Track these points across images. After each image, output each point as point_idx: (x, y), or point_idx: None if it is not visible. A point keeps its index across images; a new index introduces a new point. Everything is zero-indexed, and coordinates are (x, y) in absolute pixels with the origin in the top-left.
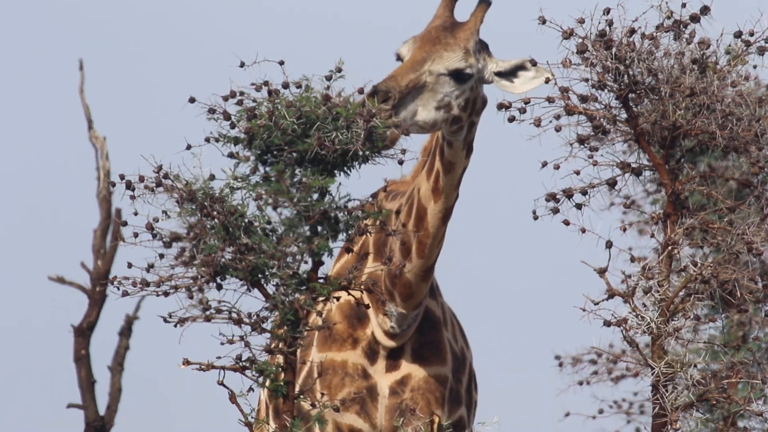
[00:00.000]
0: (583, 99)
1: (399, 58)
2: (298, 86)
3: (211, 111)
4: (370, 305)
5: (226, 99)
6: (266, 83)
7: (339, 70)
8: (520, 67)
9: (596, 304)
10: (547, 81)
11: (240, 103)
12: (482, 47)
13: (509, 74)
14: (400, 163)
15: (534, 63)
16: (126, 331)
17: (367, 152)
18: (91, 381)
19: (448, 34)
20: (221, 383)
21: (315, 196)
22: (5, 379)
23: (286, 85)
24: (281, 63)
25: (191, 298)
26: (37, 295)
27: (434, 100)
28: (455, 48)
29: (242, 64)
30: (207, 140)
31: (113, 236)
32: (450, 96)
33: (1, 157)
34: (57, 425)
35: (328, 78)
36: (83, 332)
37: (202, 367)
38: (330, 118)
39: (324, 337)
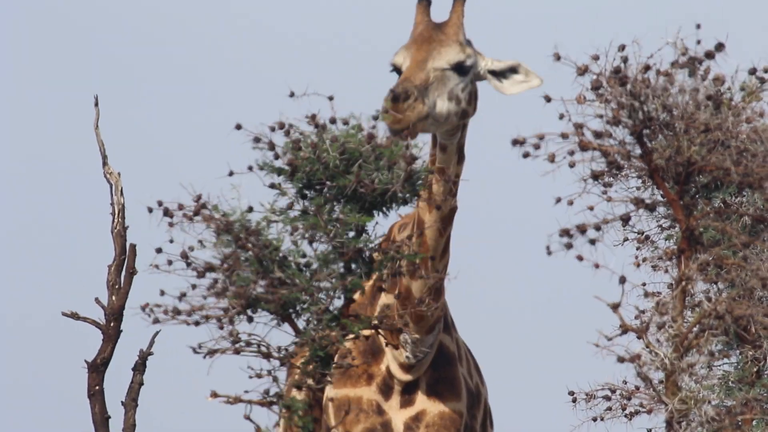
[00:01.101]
0: (598, 135)
1: (395, 68)
2: (345, 123)
3: (257, 140)
4: (388, 340)
5: (273, 129)
6: (314, 116)
7: (386, 111)
8: (512, 70)
9: (610, 339)
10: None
11: (287, 134)
12: (469, 42)
13: (501, 74)
14: (438, 208)
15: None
16: (140, 367)
17: (407, 194)
18: (105, 417)
19: (438, 32)
20: (248, 417)
21: (351, 233)
22: (20, 415)
23: (333, 121)
24: (330, 98)
25: (221, 329)
26: (51, 330)
27: (446, 93)
28: (450, 42)
29: (292, 94)
30: (250, 168)
31: (128, 271)
32: (456, 89)
33: (16, 193)
34: None
35: (375, 118)
36: (97, 368)
37: (230, 400)
38: (373, 157)
39: (339, 373)
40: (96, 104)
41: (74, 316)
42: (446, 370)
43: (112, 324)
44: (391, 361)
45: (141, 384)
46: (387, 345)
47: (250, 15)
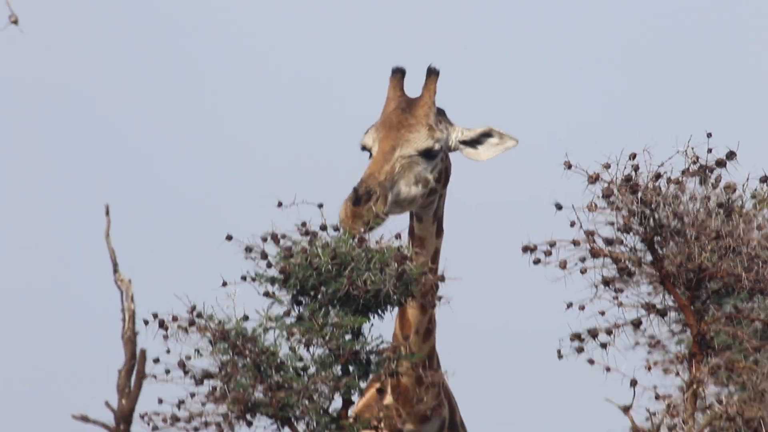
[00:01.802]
0: (609, 242)
1: (364, 148)
2: (336, 229)
3: (248, 249)
4: None
5: (264, 239)
6: (304, 224)
7: (377, 216)
8: (485, 135)
9: None
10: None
11: (277, 243)
12: (441, 116)
13: (474, 142)
14: (432, 307)
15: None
16: None
17: (401, 295)
18: None
19: (408, 116)
20: None
21: (347, 336)
22: None
23: (323, 227)
24: (320, 206)
25: None
26: None
27: (412, 178)
28: (419, 128)
29: (280, 204)
30: (243, 278)
31: (138, 375)
32: (424, 172)
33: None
34: None
35: (366, 223)
36: None
37: None
38: (365, 260)
39: None
40: (107, 213)
41: (84, 419)
42: None
43: (122, 427)
44: None
45: None
46: None
47: (238, 135)
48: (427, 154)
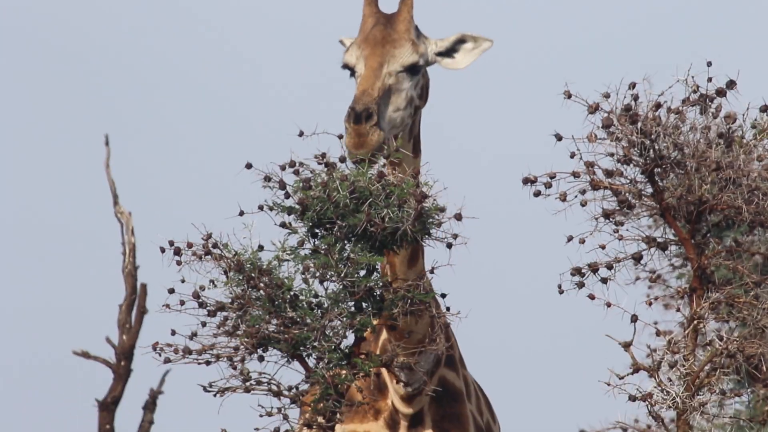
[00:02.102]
0: (609, 174)
1: (346, 66)
2: (356, 161)
3: (267, 179)
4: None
5: (283, 168)
6: (323, 155)
7: (396, 150)
8: (460, 41)
9: (621, 378)
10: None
11: (297, 173)
12: (418, 31)
13: (450, 51)
14: (449, 246)
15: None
16: (150, 406)
17: (417, 233)
18: None
19: (391, 32)
20: None
21: (362, 272)
22: None
23: (342, 159)
24: (340, 137)
25: (234, 368)
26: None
27: (400, 99)
28: (403, 43)
29: (301, 134)
30: (260, 208)
31: (139, 310)
32: (410, 90)
33: (24, 232)
34: None
35: (386, 156)
36: (108, 407)
37: None
38: (383, 195)
39: (346, 408)
40: (107, 143)
41: (85, 354)
42: (452, 407)
43: (122, 363)
44: (393, 395)
45: (151, 423)
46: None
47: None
48: (412, 69)
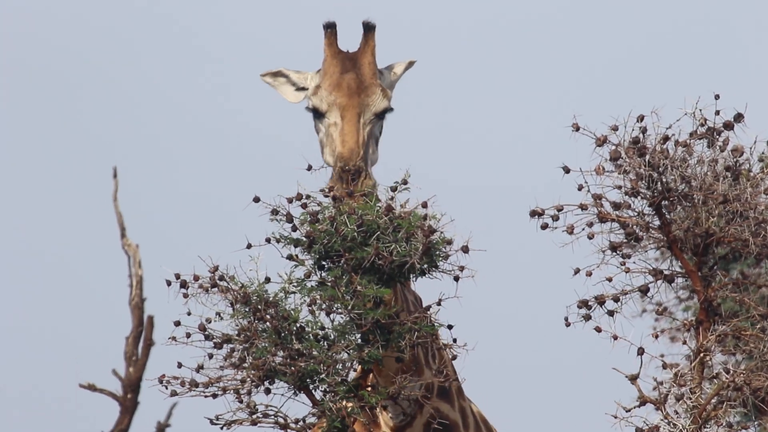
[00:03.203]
0: (616, 206)
1: (314, 110)
2: (363, 195)
3: (275, 212)
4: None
5: (290, 201)
6: (331, 188)
7: (404, 182)
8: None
9: (628, 411)
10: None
11: (304, 206)
12: (379, 70)
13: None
14: (456, 279)
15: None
16: None
17: (425, 266)
18: None
19: (362, 79)
20: None
21: (369, 305)
22: None
23: (350, 193)
24: (347, 171)
25: (240, 401)
26: (68, 402)
27: (373, 143)
28: (374, 90)
29: (309, 168)
30: (268, 240)
31: (145, 343)
32: (377, 133)
33: (31, 265)
34: None
35: (393, 189)
36: None
37: None
38: (391, 228)
39: None
40: (114, 176)
41: (92, 387)
42: None
43: (129, 396)
44: (383, 426)
45: None
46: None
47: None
48: (381, 115)
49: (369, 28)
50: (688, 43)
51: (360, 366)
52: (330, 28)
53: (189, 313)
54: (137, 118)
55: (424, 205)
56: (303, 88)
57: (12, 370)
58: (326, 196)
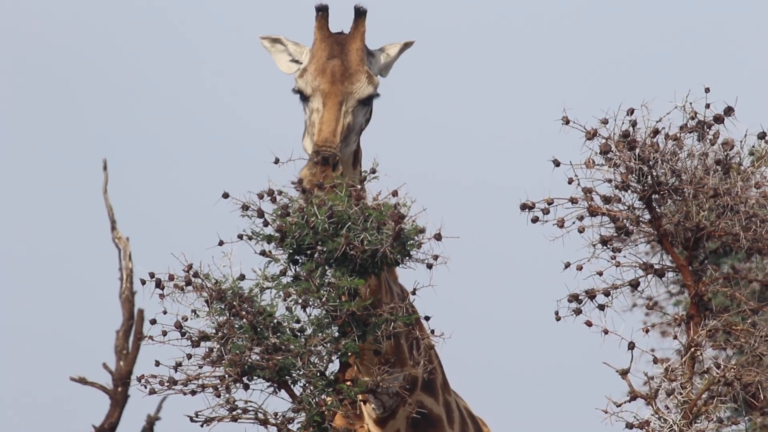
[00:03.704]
0: (607, 200)
1: (299, 92)
2: (333, 186)
3: (245, 208)
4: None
5: (261, 196)
6: (300, 181)
7: (373, 171)
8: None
9: (618, 405)
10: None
11: (274, 200)
12: (368, 53)
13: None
14: (429, 267)
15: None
16: None
17: (398, 255)
18: None
19: (348, 64)
20: None
21: (344, 297)
22: None
23: (320, 185)
24: (317, 162)
25: (218, 397)
26: (58, 395)
27: (353, 133)
28: (359, 76)
29: (277, 161)
30: (240, 237)
31: (136, 336)
32: (361, 121)
33: (21, 257)
34: None
35: (363, 179)
36: None
37: None
38: (361, 218)
39: None
40: (105, 168)
41: (82, 381)
42: None
43: (119, 389)
44: (367, 418)
45: None
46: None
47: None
48: (366, 101)
49: (360, 13)
50: (678, 37)
51: (339, 359)
52: (321, 11)
53: (165, 312)
54: (131, 113)
55: (395, 194)
56: (297, 61)
57: (0, 364)
58: (297, 189)
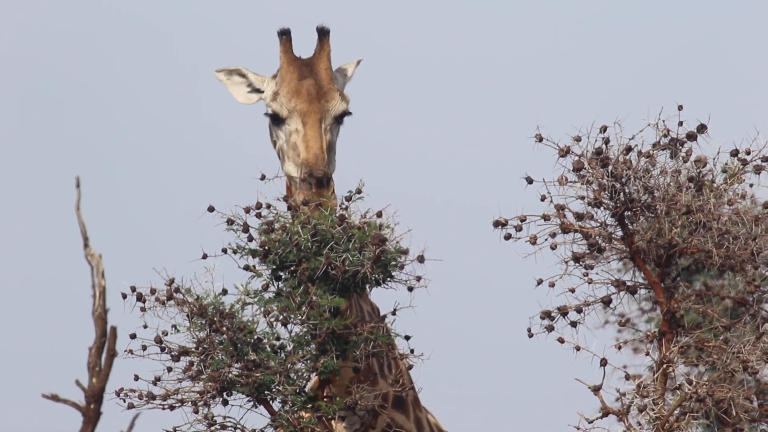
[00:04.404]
0: (579, 217)
1: (274, 115)
2: (319, 204)
3: (230, 222)
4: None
5: (247, 210)
6: (286, 198)
7: (359, 192)
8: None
9: (591, 422)
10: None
11: (259, 216)
12: (334, 73)
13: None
14: (410, 289)
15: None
16: None
17: (379, 276)
18: None
19: (321, 83)
20: None
21: (325, 315)
22: None
23: (305, 203)
24: (303, 180)
25: (197, 412)
26: (30, 412)
27: (333, 149)
28: (333, 95)
29: (263, 177)
30: (224, 251)
31: (109, 353)
32: (336, 137)
33: None
34: None
35: (347, 198)
36: None
37: None
38: (345, 238)
39: None
40: (77, 185)
41: (54, 398)
42: None
43: (92, 406)
44: None
45: None
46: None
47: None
48: (340, 118)
49: (323, 33)
50: (651, 53)
51: (317, 377)
52: (285, 35)
53: (145, 326)
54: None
55: (379, 215)
56: (258, 90)
57: None
58: (284, 202)
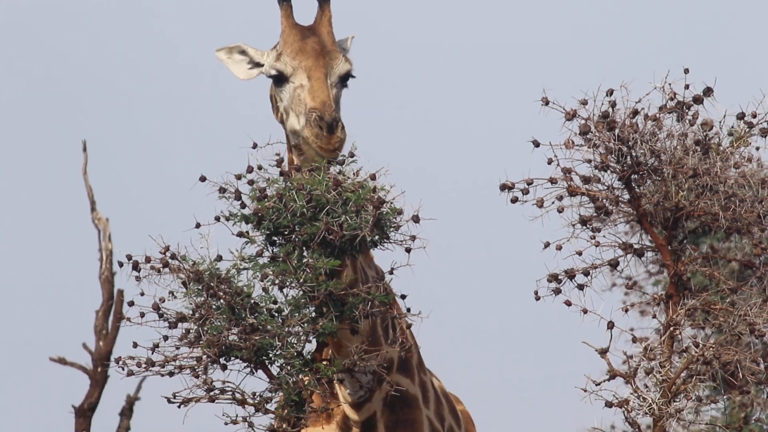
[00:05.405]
0: (586, 180)
1: (278, 74)
2: (311, 169)
3: (222, 190)
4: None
5: (239, 177)
6: (279, 163)
7: (351, 155)
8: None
9: (598, 384)
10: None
11: (251, 183)
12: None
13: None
14: (408, 250)
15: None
16: (127, 412)
17: (376, 238)
18: None
19: (325, 44)
20: None
21: (321, 277)
22: None
23: (298, 168)
24: (295, 146)
25: (196, 378)
26: (38, 375)
27: (338, 108)
28: (336, 54)
29: (255, 146)
30: (217, 219)
31: (116, 317)
32: (340, 96)
33: (1, 238)
34: None
35: (341, 162)
36: (84, 413)
37: None
38: (340, 202)
39: (311, 414)
40: (84, 149)
41: (62, 361)
42: (405, 413)
43: (99, 369)
44: (342, 401)
45: (128, 429)
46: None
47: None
48: (344, 79)
49: (324, 0)
50: (658, 17)
51: (316, 339)
52: (285, 1)
53: (142, 294)
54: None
55: (373, 177)
56: (258, 64)
57: None
58: (278, 168)
